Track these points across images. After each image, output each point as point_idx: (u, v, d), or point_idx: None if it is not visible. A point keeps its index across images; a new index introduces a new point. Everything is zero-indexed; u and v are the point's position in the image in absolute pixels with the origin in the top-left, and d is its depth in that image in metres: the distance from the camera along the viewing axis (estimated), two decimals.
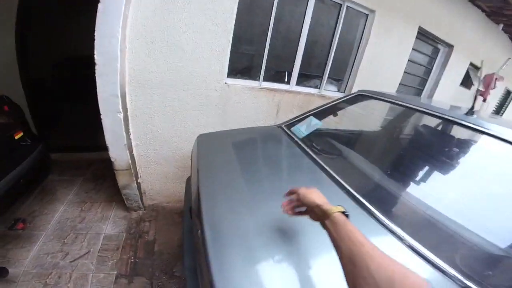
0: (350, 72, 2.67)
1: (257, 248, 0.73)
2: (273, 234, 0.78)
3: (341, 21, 2.36)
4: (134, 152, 2.03)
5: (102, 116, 1.75)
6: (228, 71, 2.08)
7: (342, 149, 1.48)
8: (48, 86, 2.81)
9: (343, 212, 0.59)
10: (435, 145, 1.43)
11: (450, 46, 3.37)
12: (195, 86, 1.99)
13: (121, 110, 1.75)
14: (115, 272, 1.69)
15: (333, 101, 1.81)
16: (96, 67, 1.66)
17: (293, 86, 2.44)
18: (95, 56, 1.66)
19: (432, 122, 1.47)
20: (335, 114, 1.74)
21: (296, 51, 2.31)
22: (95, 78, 2.32)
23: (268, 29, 2.12)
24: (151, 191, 2.28)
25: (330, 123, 1.72)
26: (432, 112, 1.27)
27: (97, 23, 1.63)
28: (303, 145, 1.40)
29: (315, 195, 0.68)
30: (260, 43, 2.16)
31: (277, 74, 2.38)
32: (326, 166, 1.17)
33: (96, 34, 1.64)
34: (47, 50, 2.70)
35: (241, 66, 2.22)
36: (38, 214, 2.07)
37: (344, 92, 2.74)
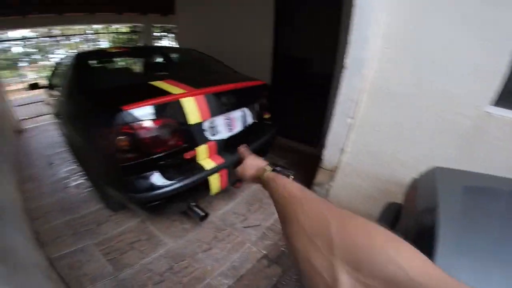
0: None
1: None
2: None
3: None
4: (343, 157, 2.05)
5: (333, 117, 1.85)
6: (495, 98, 1.57)
7: None
8: (289, 80, 3.44)
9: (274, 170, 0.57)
10: None
11: None
12: (441, 107, 1.66)
13: (352, 115, 1.78)
14: (265, 252, 1.80)
15: None
16: (344, 70, 1.74)
17: None
18: (345, 59, 1.75)
19: None
20: None
21: None
22: (329, 78, 2.45)
23: None
24: (334, 197, 2.26)
25: None
26: None
27: (351, 27, 1.68)
28: None
29: (249, 168, 0.65)
30: None
31: None
32: None
33: (349, 38, 1.71)
34: (292, 48, 3.30)
35: None
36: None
37: None
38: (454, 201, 1.01)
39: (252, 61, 3.50)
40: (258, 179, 0.60)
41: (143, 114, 1.39)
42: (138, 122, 1.37)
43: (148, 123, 1.40)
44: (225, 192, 2.32)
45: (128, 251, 1.77)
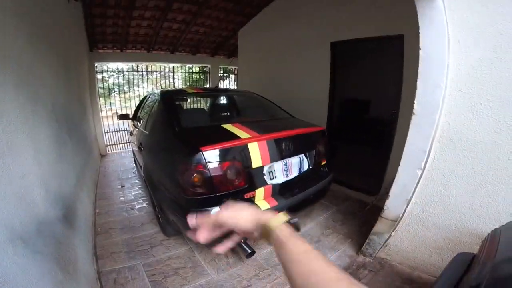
0: None
1: None
2: None
3: None
4: (409, 208, 1.85)
5: (400, 168, 1.71)
6: None
7: None
8: (346, 124, 3.36)
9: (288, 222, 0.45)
10: None
11: None
12: None
13: (422, 167, 1.61)
14: None
15: None
16: (413, 117, 1.64)
17: None
18: (414, 105, 1.65)
19: None
20: None
21: None
22: (391, 124, 2.32)
23: None
24: (393, 247, 2.02)
25: None
26: None
27: (420, 70, 1.61)
28: None
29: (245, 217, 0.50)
30: None
31: None
32: None
33: (418, 82, 1.63)
34: (350, 91, 3.25)
35: None
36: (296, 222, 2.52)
37: None
38: None
39: (308, 104, 3.55)
40: (262, 234, 0.47)
41: (217, 155, 1.54)
42: (212, 163, 1.51)
43: (220, 164, 1.54)
44: None
45: (172, 275, 1.82)
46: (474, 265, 1.10)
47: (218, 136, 1.71)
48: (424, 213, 1.83)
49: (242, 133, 1.73)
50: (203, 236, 0.52)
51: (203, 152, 1.49)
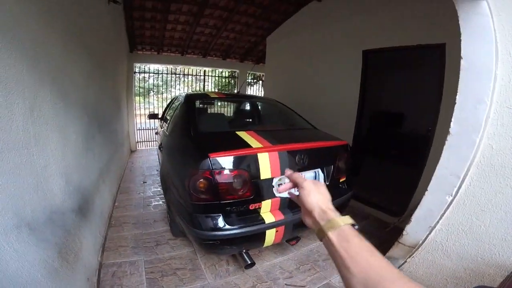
0: None
1: None
2: None
3: None
4: (432, 235, 1.65)
5: (427, 193, 1.54)
6: None
7: None
8: (375, 138, 3.14)
9: (352, 225, 0.47)
10: None
11: None
12: None
13: (453, 193, 1.41)
14: None
15: None
16: (448, 137, 1.46)
17: None
18: (451, 124, 1.46)
19: None
20: None
21: None
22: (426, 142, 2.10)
23: None
24: (406, 273, 1.79)
25: None
26: None
27: (460, 83, 1.41)
28: None
29: (319, 197, 0.56)
30: None
31: None
32: None
33: (457, 96, 1.43)
34: (381, 104, 3.03)
35: None
36: (305, 237, 2.34)
37: None
38: None
39: (334, 114, 3.41)
40: (320, 228, 0.50)
41: (224, 163, 1.50)
42: (218, 170, 1.48)
43: (226, 172, 1.50)
44: (278, 245, 2.18)
45: (170, 275, 1.82)
46: None
47: (229, 143, 1.67)
48: (448, 242, 1.63)
49: (254, 142, 1.67)
50: (284, 187, 0.65)
51: (211, 159, 1.46)
